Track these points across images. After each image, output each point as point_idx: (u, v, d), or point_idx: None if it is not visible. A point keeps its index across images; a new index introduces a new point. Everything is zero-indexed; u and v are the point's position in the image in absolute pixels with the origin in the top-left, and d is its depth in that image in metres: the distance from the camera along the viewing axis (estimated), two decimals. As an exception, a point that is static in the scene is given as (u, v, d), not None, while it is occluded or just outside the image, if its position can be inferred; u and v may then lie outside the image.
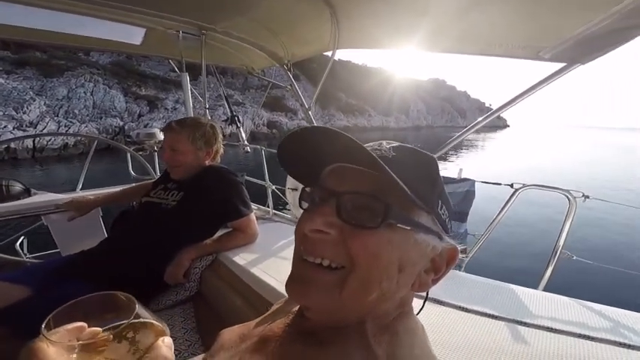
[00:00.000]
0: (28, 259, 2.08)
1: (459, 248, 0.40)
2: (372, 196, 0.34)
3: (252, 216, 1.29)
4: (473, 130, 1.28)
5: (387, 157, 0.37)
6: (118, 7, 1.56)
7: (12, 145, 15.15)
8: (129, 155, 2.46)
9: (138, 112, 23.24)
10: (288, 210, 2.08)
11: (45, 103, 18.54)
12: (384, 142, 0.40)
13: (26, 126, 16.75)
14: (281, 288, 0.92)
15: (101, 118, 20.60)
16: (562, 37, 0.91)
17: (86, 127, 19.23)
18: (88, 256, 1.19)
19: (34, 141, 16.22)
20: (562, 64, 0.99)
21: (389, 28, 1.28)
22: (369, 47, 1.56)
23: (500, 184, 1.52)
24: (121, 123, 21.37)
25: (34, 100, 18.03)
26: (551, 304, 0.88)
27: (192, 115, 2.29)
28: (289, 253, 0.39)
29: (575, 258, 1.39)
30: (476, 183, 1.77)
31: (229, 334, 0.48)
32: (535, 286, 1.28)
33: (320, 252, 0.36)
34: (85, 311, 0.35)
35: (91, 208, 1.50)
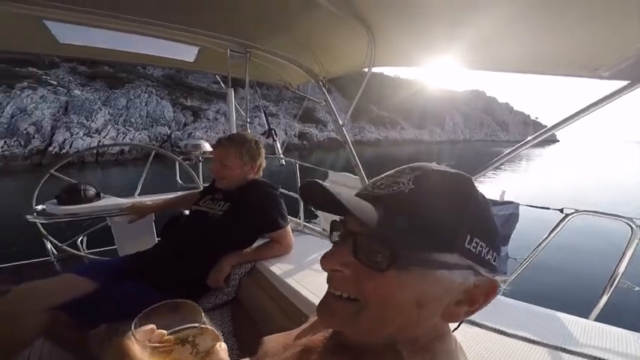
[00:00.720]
0: (85, 254, 2.33)
1: (499, 281, 0.37)
2: (379, 240, 0.35)
3: (289, 228, 1.35)
4: (526, 146, 1.20)
5: (403, 193, 0.36)
6: (175, 27, 1.74)
7: (80, 150, 17.36)
8: (177, 164, 2.67)
9: (183, 121, 25.17)
10: (319, 222, 2.12)
11: (109, 112, 20.96)
12: (408, 169, 0.39)
13: (92, 132, 19.08)
14: (315, 300, 0.95)
15: (152, 126, 22.62)
16: (623, 54, 0.86)
17: (139, 134, 21.28)
18: (143, 257, 1.33)
19: (97, 146, 18.36)
20: (624, 83, 0.92)
21: (427, 46, 1.28)
22: (406, 65, 1.57)
23: (548, 208, 1.43)
24: (169, 131, 23.28)
25: (101, 110, 20.50)
26: (602, 335, 0.81)
27: (234, 128, 2.46)
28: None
29: (637, 289, 1.26)
30: (520, 206, 1.66)
31: (272, 342, 0.52)
32: (585, 316, 1.18)
33: (339, 286, 0.39)
34: (158, 315, 0.40)
35: (149, 212, 1.67)
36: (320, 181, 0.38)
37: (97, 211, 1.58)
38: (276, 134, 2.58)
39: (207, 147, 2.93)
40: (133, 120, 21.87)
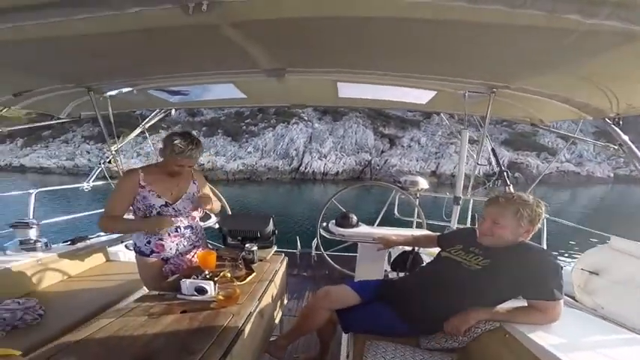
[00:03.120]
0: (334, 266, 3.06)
1: None
2: None
3: (562, 303, 1.15)
4: None
5: None
6: (414, 77, 1.92)
7: (315, 170, 24.19)
8: (397, 197, 2.97)
9: (381, 148, 28.00)
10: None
11: (332, 141, 27.18)
12: None
13: (322, 157, 25.69)
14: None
15: (358, 152, 26.87)
16: None
17: (349, 159, 26.00)
18: (392, 285, 1.58)
19: (324, 167, 24.76)
20: None
21: None
22: None
23: None
24: (370, 157, 26.69)
25: (328, 139, 27.02)
26: None
27: (463, 166, 2.43)
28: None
29: None
30: None
31: None
32: None
33: None
34: None
35: (394, 245, 1.93)
36: None
37: (356, 236, 2.06)
38: (508, 177, 2.30)
39: (425, 184, 3.08)
40: (346, 147, 27.01)
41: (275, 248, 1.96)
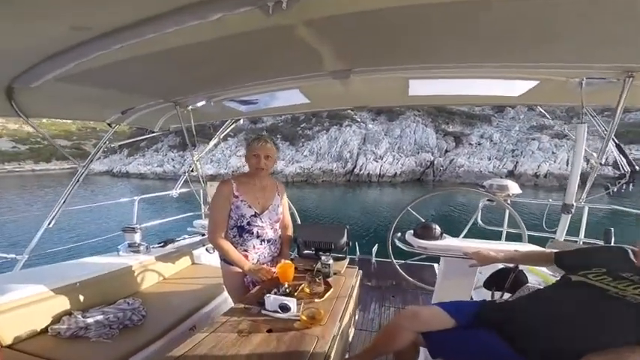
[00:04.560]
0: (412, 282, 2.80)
1: None
2: None
3: None
4: None
5: None
6: (512, 66, 1.62)
7: (370, 172, 23.34)
8: (481, 203, 2.57)
9: (445, 147, 25.87)
10: None
11: (388, 142, 26.19)
12: None
13: (377, 158, 24.83)
14: None
15: (418, 152, 25.32)
16: None
17: (408, 160, 24.64)
18: (499, 308, 1.32)
19: (380, 169, 23.76)
20: None
21: None
22: None
23: None
24: (432, 157, 24.90)
25: (383, 139, 26.14)
26: None
27: (579, 164, 1.96)
28: None
29: None
30: None
31: None
32: None
33: None
34: None
35: (492, 262, 1.62)
36: None
37: (440, 249, 1.81)
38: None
39: (516, 188, 2.61)
40: (404, 147, 25.71)
41: (348, 259, 1.88)
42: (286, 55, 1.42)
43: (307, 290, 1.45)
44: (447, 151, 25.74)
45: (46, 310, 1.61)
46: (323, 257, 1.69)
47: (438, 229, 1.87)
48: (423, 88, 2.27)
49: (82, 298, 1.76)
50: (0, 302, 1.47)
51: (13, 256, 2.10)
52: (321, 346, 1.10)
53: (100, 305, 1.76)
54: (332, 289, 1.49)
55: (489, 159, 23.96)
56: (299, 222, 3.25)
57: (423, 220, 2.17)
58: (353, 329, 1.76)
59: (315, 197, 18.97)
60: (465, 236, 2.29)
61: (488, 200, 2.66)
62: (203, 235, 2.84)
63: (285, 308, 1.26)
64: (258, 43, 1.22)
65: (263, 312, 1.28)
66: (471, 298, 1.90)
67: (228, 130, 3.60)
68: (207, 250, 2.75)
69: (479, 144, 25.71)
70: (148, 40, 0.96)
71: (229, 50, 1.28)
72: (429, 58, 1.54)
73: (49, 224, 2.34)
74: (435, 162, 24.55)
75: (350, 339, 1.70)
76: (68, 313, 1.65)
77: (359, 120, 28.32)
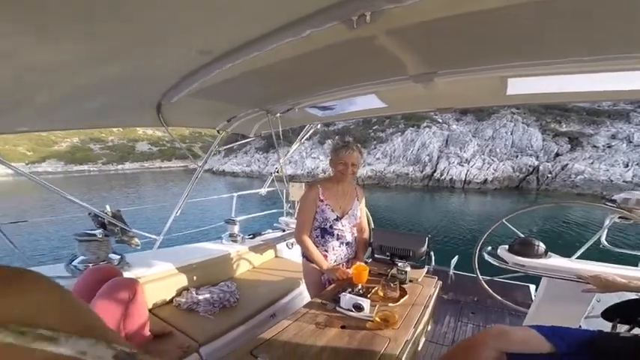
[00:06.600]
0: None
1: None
2: None
3: None
4: None
5: None
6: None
7: (453, 177, 21.25)
8: (608, 220, 2.03)
9: (555, 150, 21.39)
10: None
11: (477, 144, 23.28)
12: None
13: (463, 162, 22.36)
14: None
15: (517, 156, 21.64)
16: None
17: (503, 164, 21.33)
18: (619, 343, 1.08)
19: (466, 174, 21.32)
20: None
21: None
22: None
23: None
24: (536, 162, 20.95)
25: (471, 141, 23.37)
26: None
27: None
28: None
29: None
30: None
31: None
32: None
33: None
34: None
35: (617, 290, 1.38)
36: None
37: (544, 268, 1.56)
38: None
39: (665, 202, 1.97)
40: (498, 150, 22.39)
41: (427, 269, 1.80)
42: (367, 63, 1.46)
43: (381, 293, 1.47)
44: (557, 154, 21.22)
45: (173, 284, 2.04)
46: (400, 264, 1.66)
47: (542, 246, 1.60)
48: (525, 86, 1.99)
49: (195, 277, 2.15)
50: (149, 274, 1.94)
51: (154, 236, 2.69)
52: (392, 348, 1.11)
53: (207, 285, 2.12)
54: (407, 296, 1.48)
55: (627, 165, 18.68)
56: (373, 226, 3.23)
57: (522, 235, 1.88)
58: (423, 339, 1.69)
59: (386, 201, 18.30)
60: (581, 257, 1.87)
61: (620, 217, 2.09)
62: (284, 230, 3.11)
63: (358, 308, 1.31)
64: (341, 54, 1.29)
65: (337, 309, 1.35)
66: (579, 327, 1.57)
67: (308, 135, 3.84)
68: (287, 245, 3.00)
69: (609, 146, 20.34)
70: (253, 58, 1.13)
71: (314, 62, 1.40)
72: (531, 55, 1.35)
73: (176, 213, 2.92)
74: (541, 167, 20.51)
75: (419, 348, 1.63)
76: (186, 288, 2.05)
77: (440, 121, 26.06)
